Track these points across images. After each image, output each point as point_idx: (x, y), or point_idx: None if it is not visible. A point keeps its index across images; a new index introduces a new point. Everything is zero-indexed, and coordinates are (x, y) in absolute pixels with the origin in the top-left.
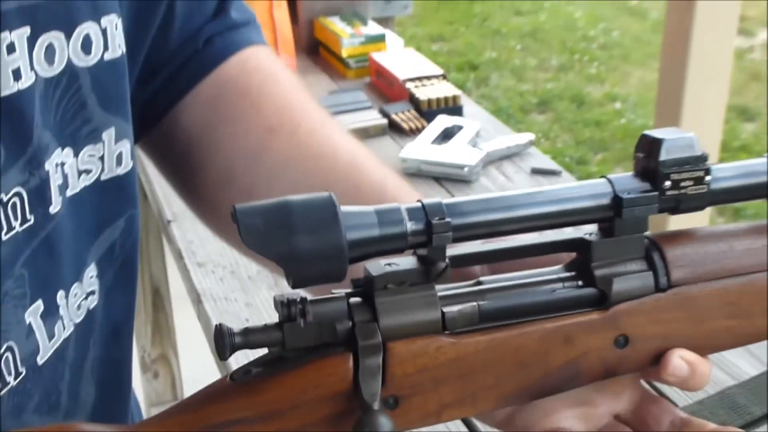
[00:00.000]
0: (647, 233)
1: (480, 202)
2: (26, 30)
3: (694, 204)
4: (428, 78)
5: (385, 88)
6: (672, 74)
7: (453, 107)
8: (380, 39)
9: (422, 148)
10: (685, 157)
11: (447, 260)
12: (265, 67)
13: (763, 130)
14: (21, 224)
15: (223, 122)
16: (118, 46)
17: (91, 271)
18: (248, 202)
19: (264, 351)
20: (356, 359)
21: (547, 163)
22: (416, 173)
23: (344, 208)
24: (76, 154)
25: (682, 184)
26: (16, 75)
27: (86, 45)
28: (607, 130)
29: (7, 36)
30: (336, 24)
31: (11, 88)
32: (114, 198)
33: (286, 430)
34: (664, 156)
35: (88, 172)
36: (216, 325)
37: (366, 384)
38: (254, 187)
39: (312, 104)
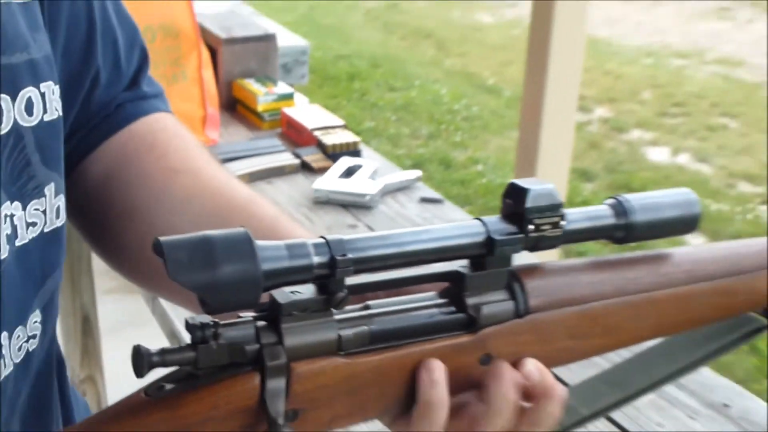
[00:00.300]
0: (510, 267)
1: (376, 239)
2: None
3: (551, 243)
4: (332, 127)
5: (295, 136)
6: (528, 141)
7: (353, 150)
8: (290, 96)
9: (330, 182)
10: (547, 204)
11: (346, 290)
12: (171, 127)
13: (600, 189)
14: None
15: (129, 166)
16: (55, 109)
17: (36, 317)
18: (165, 236)
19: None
20: (263, 378)
21: (432, 193)
22: (326, 201)
23: (258, 243)
24: (24, 208)
25: (543, 227)
26: None
27: (29, 107)
28: (471, 187)
29: None
30: (252, 84)
31: None
32: (55, 248)
33: None
34: (529, 203)
35: (34, 224)
36: (134, 346)
37: (271, 401)
38: (156, 220)
39: (212, 158)
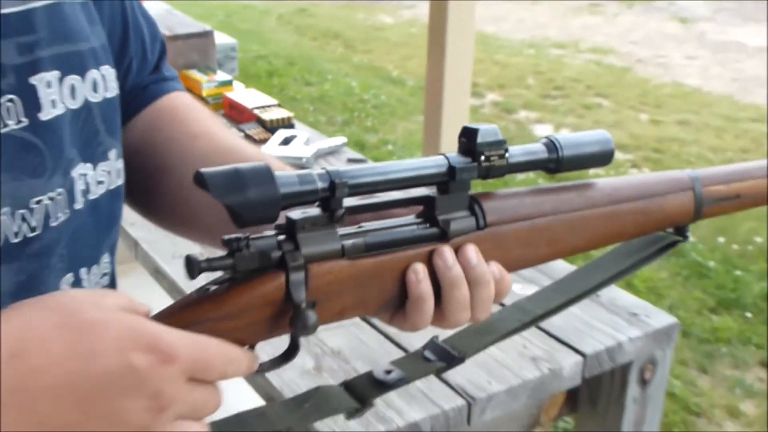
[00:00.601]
0: (470, 192)
1: (365, 169)
2: (57, 73)
3: (498, 172)
4: (268, 106)
5: (236, 115)
6: (432, 123)
7: (288, 124)
8: (229, 83)
9: (272, 150)
10: (493, 141)
11: (343, 208)
12: (188, 101)
13: None
14: (62, 217)
15: (157, 133)
16: (113, 88)
17: (106, 258)
18: (208, 168)
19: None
20: (287, 276)
21: (356, 155)
22: None
23: (276, 172)
24: (94, 168)
25: (492, 158)
26: (53, 104)
27: (95, 86)
28: None
29: (45, 75)
30: (195, 74)
31: (50, 114)
32: (117, 203)
33: (239, 326)
34: (480, 140)
35: (101, 182)
36: (186, 255)
37: (295, 292)
38: (183, 176)
39: (222, 125)
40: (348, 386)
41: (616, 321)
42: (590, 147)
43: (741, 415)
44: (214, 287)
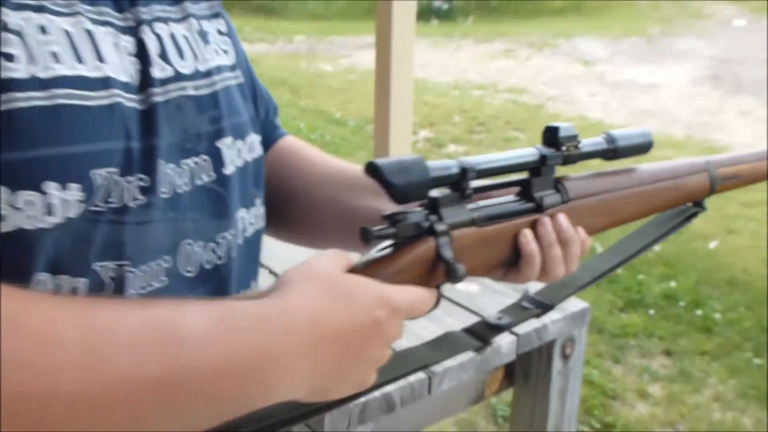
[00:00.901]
0: (554, 176)
1: (485, 159)
2: (231, 138)
3: (574, 160)
4: None
5: None
6: (380, 155)
7: None
8: None
9: None
10: (570, 135)
11: (471, 189)
12: (297, 141)
13: None
14: (235, 249)
15: (282, 167)
16: (259, 150)
17: (254, 284)
18: (378, 163)
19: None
20: (436, 240)
21: None
22: None
23: (427, 162)
24: (247, 212)
25: (570, 149)
26: (231, 162)
27: (250, 148)
28: None
29: (226, 140)
30: None
31: (229, 169)
32: (261, 240)
33: (405, 279)
34: (561, 134)
35: (252, 224)
36: (362, 227)
37: (445, 251)
38: (311, 196)
39: (323, 153)
40: (468, 331)
41: None
42: (637, 139)
43: (649, 397)
44: (380, 253)
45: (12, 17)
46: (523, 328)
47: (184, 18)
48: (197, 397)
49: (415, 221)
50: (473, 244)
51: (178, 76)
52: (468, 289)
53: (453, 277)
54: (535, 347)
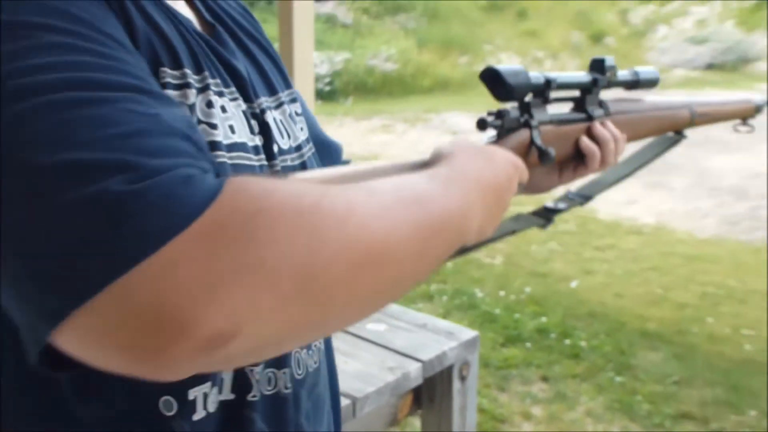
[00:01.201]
0: (600, 98)
1: (560, 75)
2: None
3: (613, 85)
4: None
5: None
6: None
7: None
8: None
9: None
10: (612, 65)
11: (551, 97)
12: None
13: None
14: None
15: None
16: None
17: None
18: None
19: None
20: (530, 131)
21: None
22: None
23: (529, 72)
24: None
25: (611, 76)
26: None
27: None
28: None
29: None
30: None
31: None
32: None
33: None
34: (607, 64)
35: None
36: (479, 117)
37: (537, 139)
38: None
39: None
40: (535, 213)
41: (440, 338)
42: (652, 75)
43: (533, 417)
44: (489, 140)
45: (210, 97)
46: (427, 355)
47: (279, 105)
48: (439, 234)
49: (516, 116)
50: (552, 138)
51: (284, 150)
52: (377, 328)
53: (546, 158)
54: (437, 371)
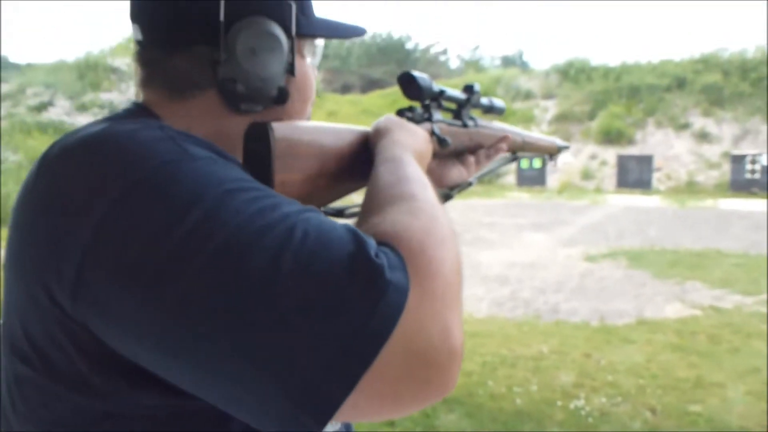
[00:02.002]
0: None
1: (450, 90)
2: None
3: (479, 107)
4: None
5: None
6: None
7: None
8: None
9: None
10: (477, 92)
11: (443, 103)
12: None
13: None
14: None
15: None
16: None
17: None
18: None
19: None
20: (432, 125)
21: None
22: None
23: (431, 81)
24: None
25: (477, 100)
26: None
27: None
28: None
29: None
30: None
31: None
32: None
33: None
34: (475, 90)
35: None
36: (397, 110)
37: (436, 130)
38: None
39: None
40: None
41: None
42: (501, 104)
43: None
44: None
45: None
46: None
47: None
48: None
49: (420, 113)
50: (445, 132)
51: None
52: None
53: (444, 143)
54: None
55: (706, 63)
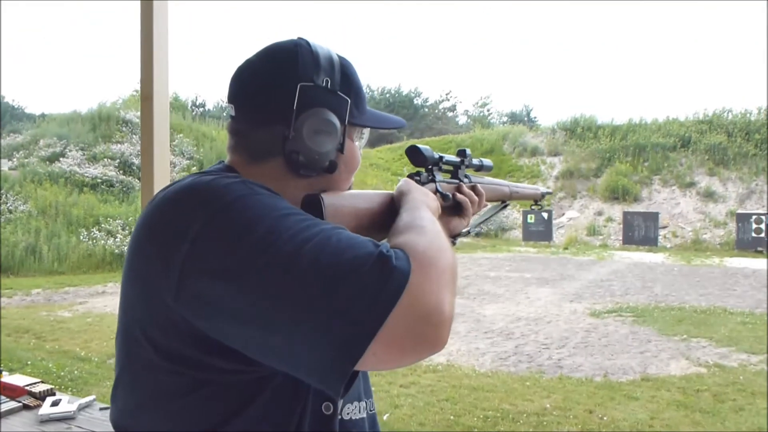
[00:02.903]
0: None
1: (447, 155)
2: None
3: (472, 167)
4: (34, 383)
5: (10, 393)
6: None
7: (52, 392)
8: None
9: (46, 411)
10: (468, 156)
11: (443, 167)
12: None
13: None
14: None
15: None
16: None
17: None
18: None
19: None
20: (436, 184)
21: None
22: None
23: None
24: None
25: (469, 163)
26: None
27: None
28: None
29: None
30: None
31: None
32: None
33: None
34: (468, 154)
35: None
36: (408, 174)
37: (439, 186)
38: None
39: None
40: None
41: None
42: (490, 163)
43: None
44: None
45: None
46: None
47: None
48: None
49: (425, 175)
50: (447, 188)
51: None
52: None
53: (446, 198)
54: None
55: (711, 123)
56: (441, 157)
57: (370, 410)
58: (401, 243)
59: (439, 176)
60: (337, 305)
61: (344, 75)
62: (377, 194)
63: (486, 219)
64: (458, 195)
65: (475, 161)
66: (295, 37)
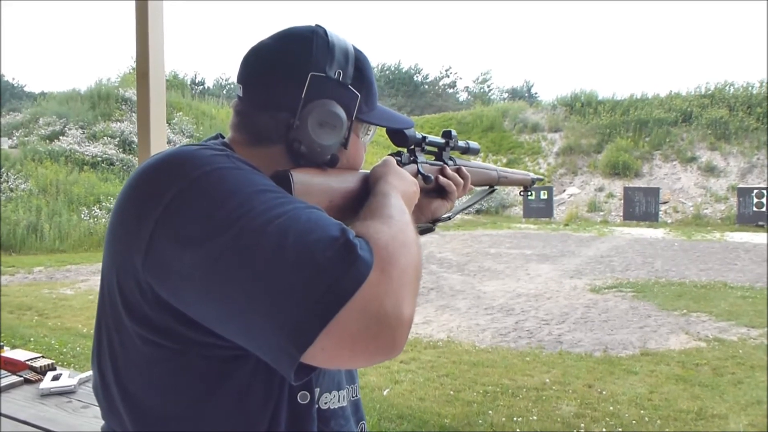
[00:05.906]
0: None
1: (431, 136)
2: None
3: (457, 149)
4: (35, 358)
5: (12, 368)
6: None
7: (53, 367)
8: None
9: (47, 384)
10: (454, 137)
11: (425, 147)
12: None
13: None
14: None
15: None
16: None
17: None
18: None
19: None
20: (417, 165)
21: None
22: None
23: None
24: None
25: (455, 144)
26: None
27: None
28: None
29: None
30: None
31: None
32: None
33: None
34: (453, 137)
35: None
36: (389, 154)
37: (421, 169)
38: None
39: None
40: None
41: None
42: (476, 146)
43: None
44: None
45: None
46: None
47: None
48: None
49: (407, 156)
50: (427, 170)
51: None
52: None
53: (428, 180)
54: None
55: (713, 98)
56: (424, 138)
57: (353, 396)
58: (363, 232)
59: (421, 157)
60: (293, 286)
61: (357, 69)
62: (352, 174)
63: (471, 204)
64: (441, 178)
65: (461, 143)
66: (312, 24)
